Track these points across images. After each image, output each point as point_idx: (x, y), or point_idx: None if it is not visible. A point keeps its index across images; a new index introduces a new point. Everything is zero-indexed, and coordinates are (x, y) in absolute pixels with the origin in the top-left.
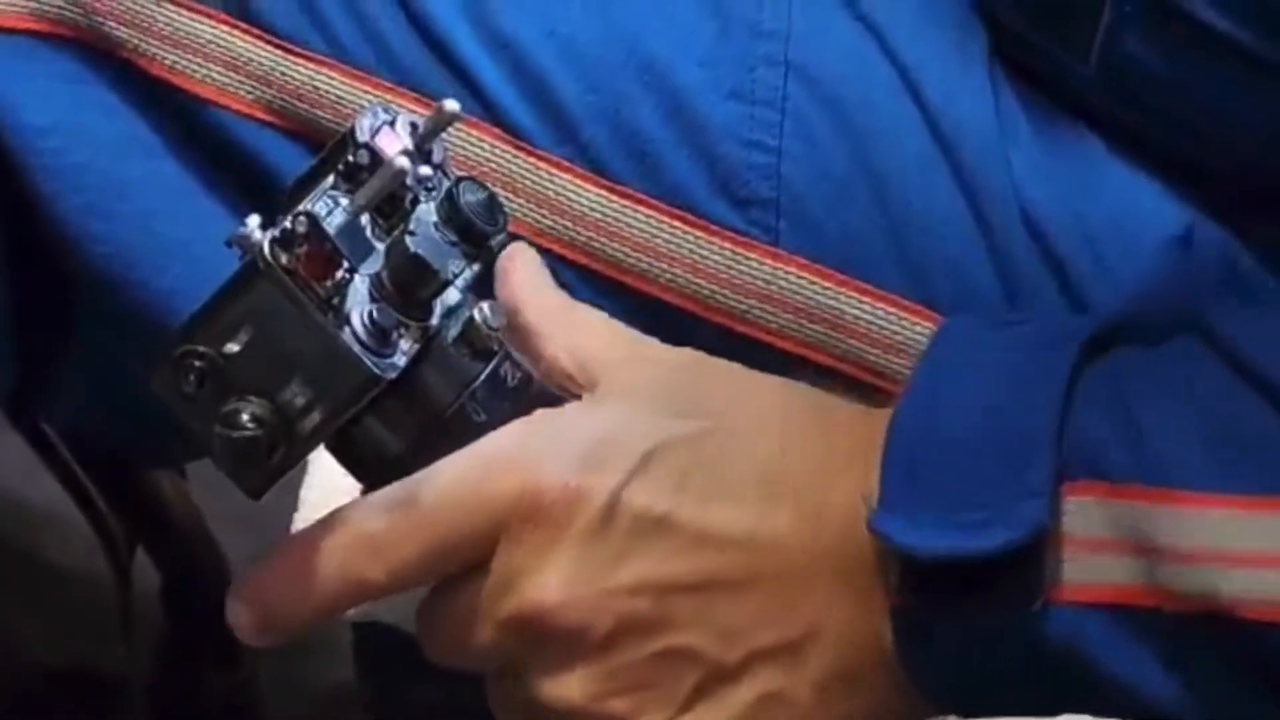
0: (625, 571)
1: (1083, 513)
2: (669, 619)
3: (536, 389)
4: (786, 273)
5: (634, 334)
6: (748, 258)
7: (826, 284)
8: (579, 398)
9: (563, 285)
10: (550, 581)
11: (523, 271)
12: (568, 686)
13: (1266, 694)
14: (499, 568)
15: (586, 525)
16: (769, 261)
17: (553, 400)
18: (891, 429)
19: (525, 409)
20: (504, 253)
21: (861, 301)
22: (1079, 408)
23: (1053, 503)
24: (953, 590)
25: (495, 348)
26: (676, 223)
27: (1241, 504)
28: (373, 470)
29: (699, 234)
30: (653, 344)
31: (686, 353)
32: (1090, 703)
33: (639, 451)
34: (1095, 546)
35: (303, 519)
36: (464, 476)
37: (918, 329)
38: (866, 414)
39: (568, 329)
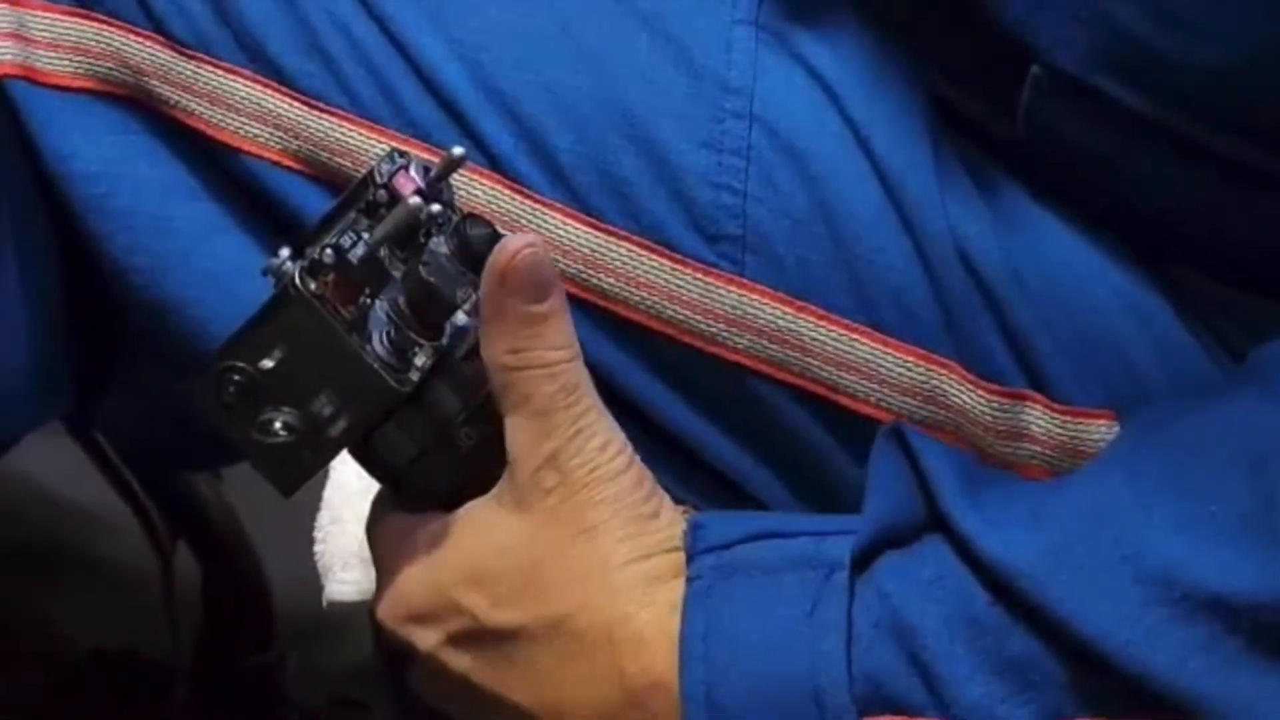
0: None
1: None
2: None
3: None
4: (751, 299)
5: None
6: (717, 287)
7: (786, 309)
8: None
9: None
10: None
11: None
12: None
13: None
14: None
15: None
16: (735, 290)
17: None
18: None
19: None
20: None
21: (817, 325)
22: (863, 646)
23: None
24: None
25: None
26: (654, 256)
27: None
28: (390, 471)
29: (674, 266)
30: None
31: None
32: None
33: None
34: None
35: (327, 516)
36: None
37: (866, 348)
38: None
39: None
